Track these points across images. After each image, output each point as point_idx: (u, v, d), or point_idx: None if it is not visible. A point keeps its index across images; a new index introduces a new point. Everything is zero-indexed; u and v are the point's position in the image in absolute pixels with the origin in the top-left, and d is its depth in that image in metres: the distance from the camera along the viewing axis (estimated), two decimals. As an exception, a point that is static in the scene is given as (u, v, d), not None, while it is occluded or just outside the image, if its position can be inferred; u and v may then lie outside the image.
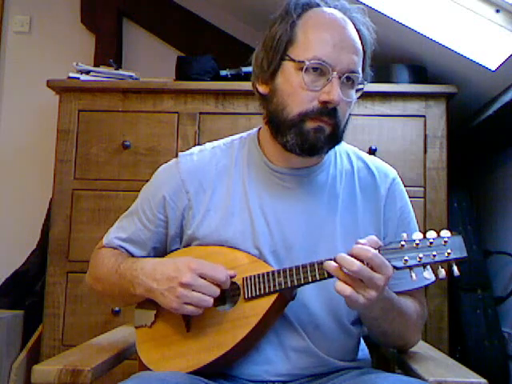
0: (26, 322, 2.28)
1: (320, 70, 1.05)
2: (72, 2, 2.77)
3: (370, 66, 1.15)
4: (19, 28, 2.79)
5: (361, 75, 1.09)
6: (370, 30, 1.13)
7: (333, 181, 1.16)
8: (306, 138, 1.07)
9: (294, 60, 1.07)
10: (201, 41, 2.68)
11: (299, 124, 1.06)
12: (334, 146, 1.12)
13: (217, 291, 1.03)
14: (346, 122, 1.12)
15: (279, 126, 1.09)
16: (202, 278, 1.03)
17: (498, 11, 1.84)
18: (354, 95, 1.10)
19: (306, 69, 1.05)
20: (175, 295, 1.03)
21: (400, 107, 2.04)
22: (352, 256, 0.95)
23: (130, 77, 2.22)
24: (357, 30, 1.10)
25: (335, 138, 1.09)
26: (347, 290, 0.94)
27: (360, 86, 1.11)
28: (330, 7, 1.11)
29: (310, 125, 1.06)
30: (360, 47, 1.09)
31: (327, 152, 1.12)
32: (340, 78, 1.05)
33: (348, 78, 1.07)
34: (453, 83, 2.03)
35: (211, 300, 1.03)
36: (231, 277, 1.05)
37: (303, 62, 1.05)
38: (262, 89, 1.13)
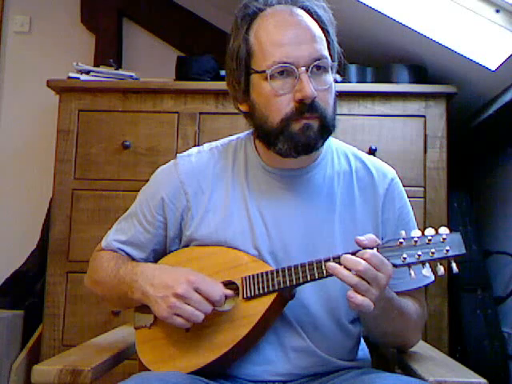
0: (26, 322, 2.28)
1: (285, 71, 1.04)
2: (72, 2, 2.77)
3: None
4: (19, 28, 2.79)
5: (329, 58, 1.07)
6: (324, 9, 1.12)
7: (330, 181, 1.16)
8: (297, 140, 1.06)
9: (257, 72, 1.07)
10: (201, 41, 2.68)
11: (285, 129, 1.06)
12: (328, 137, 1.10)
13: (209, 308, 1.02)
14: (335, 108, 1.10)
15: (268, 137, 1.09)
16: (198, 292, 1.02)
17: (497, 11, 1.84)
18: (330, 79, 1.08)
19: (271, 76, 1.05)
20: (167, 304, 1.02)
21: (400, 107, 2.04)
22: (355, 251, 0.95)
23: (130, 77, 2.22)
24: (310, 14, 1.09)
25: (326, 129, 1.08)
26: (358, 297, 0.93)
27: (334, 64, 1.09)
28: (273, 5, 1.10)
29: (295, 126, 1.05)
30: (318, 32, 1.08)
31: (323, 145, 1.11)
32: (308, 70, 1.04)
33: (318, 67, 1.05)
34: (453, 83, 2.03)
35: (202, 316, 1.02)
36: (227, 297, 1.05)
37: (265, 71, 1.05)
38: (243, 108, 1.14)
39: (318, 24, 1.09)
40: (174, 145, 2.09)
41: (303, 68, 1.04)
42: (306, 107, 1.04)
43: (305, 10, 1.10)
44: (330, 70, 1.08)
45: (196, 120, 2.10)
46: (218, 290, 1.03)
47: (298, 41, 1.05)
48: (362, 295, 0.94)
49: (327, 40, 1.10)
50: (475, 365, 1.92)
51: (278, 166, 1.15)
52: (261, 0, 1.11)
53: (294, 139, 1.06)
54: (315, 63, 1.05)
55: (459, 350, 2.02)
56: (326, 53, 1.08)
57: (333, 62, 1.09)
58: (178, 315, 1.02)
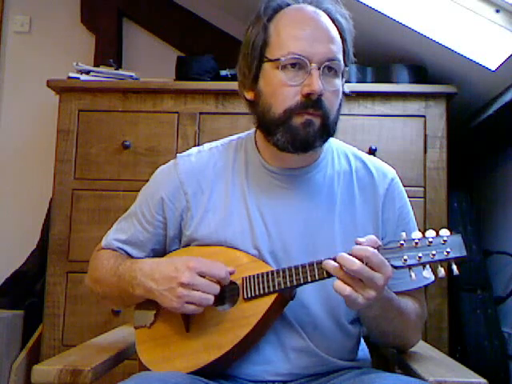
0: (26, 322, 2.28)
1: (298, 64, 1.06)
2: (72, 1, 2.77)
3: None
4: (19, 28, 2.79)
5: (342, 62, 1.09)
6: (346, 18, 1.13)
7: (330, 181, 1.16)
8: (295, 134, 1.06)
9: (270, 60, 1.08)
10: (201, 41, 2.68)
11: (286, 121, 1.06)
12: (327, 139, 1.11)
13: (217, 288, 1.03)
14: (338, 113, 1.11)
15: (268, 126, 1.10)
16: (202, 276, 1.03)
17: (497, 11, 1.84)
18: (339, 83, 1.09)
19: (284, 66, 1.06)
20: (176, 295, 1.03)
21: (400, 107, 2.04)
22: (351, 255, 0.95)
23: (130, 77, 2.22)
24: (332, 19, 1.10)
25: (326, 129, 1.08)
26: (346, 289, 0.94)
27: (345, 69, 1.10)
28: (299, 3, 1.12)
29: (297, 120, 1.06)
30: (336, 36, 1.09)
31: (321, 146, 1.11)
32: (319, 68, 1.05)
33: (329, 68, 1.07)
34: (453, 83, 2.03)
35: (212, 298, 1.03)
36: (230, 273, 1.05)
37: (279, 59, 1.06)
38: (249, 95, 1.14)
39: (338, 31, 1.11)
40: (174, 145, 2.09)
41: (315, 64, 1.05)
42: (311, 102, 1.05)
43: (328, 14, 1.11)
44: (340, 75, 1.09)
45: (196, 120, 2.10)
46: (221, 268, 1.04)
47: (315, 38, 1.06)
48: (358, 293, 0.94)
49: (343, 48, 1.11)
50: (475, 365, 1.92)
51: (279, 165, 1.15)
52: None
53: (293, 133, 1.06)
54: (328, 63, 1.06)
55: (459, 350, 2.02)
56: (341, 57, 1.09)
57: (345, 68, 1.10)
58: (188, 303, 1.02)
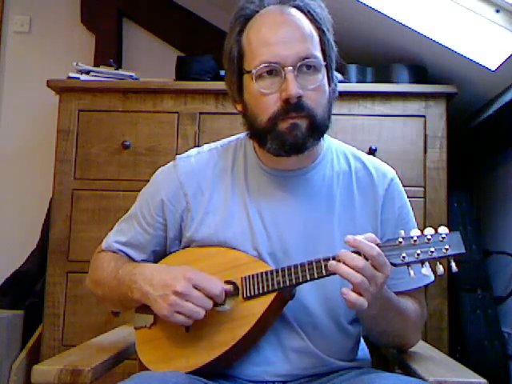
0: (26, 322, 2.28)
1: (274, 71, 1.05)
2: (72, 2, 2.77)
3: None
4: (19, 28, 2.79)
5: (320, 58, 1.07)
6: (321, 6, 1.11)
7: (329, 181, 1.16)
8: (284, 139, 1.06)
9: (247, 72, 1.08)
10: (201, 41, 2.68)
11: (273, 128, 1.06)
12: (319, 137, 1.10)
13: (210, 304, 1.03)
14: (328, 108, 1.10)
15: (258, 136, 1.10)
16: (198, 288, 1.03)
17: (497, 11, 1.84)
18: (321, 78, 1.07)
19: (259, 76, 1.06)
20: (167, 303, 1.02)
21: (400, 107, 2.04)
22: (356, 250, 0.95)
23: (130, 77, 2.22)
24: (304, 13, 1.09)
25: (316, 128, 1.07)
26: (352, 294, 0.94)
27: (327, 63, 1.09)
28: (265, 7, 1.10)
29: (282, 125, 1.06)
30: (309, 30, 1.08)
31: (316, 144, 1.11)
32: (294, 69, 1.04)
33: (307, 66, 1.06)
34: (453, 83, 2.03)
35: (203, 312, 1.02)
36: (227, 292, 1.05)
37: (251, 71, 1.06)
38: (238, 107, 1.15)
39: (313, 23, 1.09)
40: (174, 145, 2.09)
41: (290, 67, 1.04)
42: (291, 106, 1.04)
43: (298, 8, 1.09)
44: (321, 69, 1.08)
45: (196, 120, 2.10)
46: (217, 286, 1.04)
47: (286, 40, 1.05)
48: (360, 294, 0.94)
49: (322, 39, 1.09)
50: (475, 365, 1.92)
51: (277, 166, 1.15)
52: (256, 2, 1.11)
53: (281, 138, 1.06)
54: (303, 62, 1.05)
55: (459, 350, 2.02)
56: (317, 52, 1.07)
57: (329, 61, 1.09)
58: (178, 313, 1.02)
